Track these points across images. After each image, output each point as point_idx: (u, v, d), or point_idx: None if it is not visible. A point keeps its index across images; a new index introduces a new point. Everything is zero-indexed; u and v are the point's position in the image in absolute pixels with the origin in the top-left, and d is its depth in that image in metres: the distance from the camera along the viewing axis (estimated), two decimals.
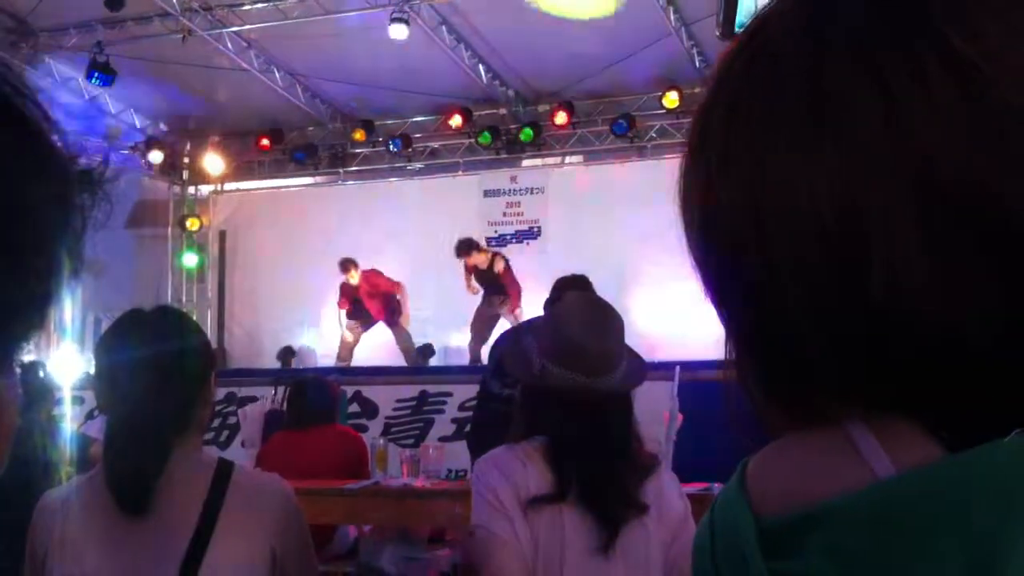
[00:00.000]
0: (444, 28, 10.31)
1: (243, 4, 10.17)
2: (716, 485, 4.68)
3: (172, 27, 10.28)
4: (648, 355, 10.44)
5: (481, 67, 11.13)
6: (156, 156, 12.65)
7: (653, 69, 10.65)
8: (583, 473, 2.25)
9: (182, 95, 11.91)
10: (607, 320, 2.43)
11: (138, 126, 12.70)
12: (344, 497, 5.20)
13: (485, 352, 8.99)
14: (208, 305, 13.53)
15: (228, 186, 13.76)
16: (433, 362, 11.35)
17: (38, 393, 4.96)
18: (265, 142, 12.85)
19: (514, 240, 12.16)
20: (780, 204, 0.58)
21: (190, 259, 13.54)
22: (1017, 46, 0.57)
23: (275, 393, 8.08)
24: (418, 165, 12.88)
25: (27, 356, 0.61)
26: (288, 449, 5.62)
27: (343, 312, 11.56)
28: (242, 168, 13.30)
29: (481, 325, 10.59)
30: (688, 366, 6.60)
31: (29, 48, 10.59)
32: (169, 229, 13.77)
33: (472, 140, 12.18)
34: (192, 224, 13.52)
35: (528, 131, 11.83)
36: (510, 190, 12.25)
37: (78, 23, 10.38)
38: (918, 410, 0.57)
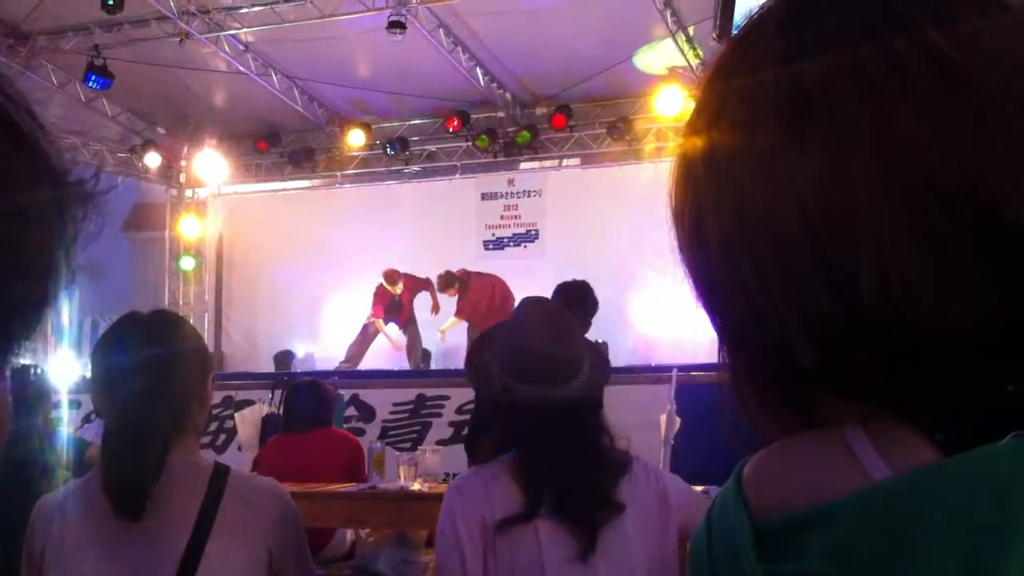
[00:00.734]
0: (441, 31, 10.32)
1: (240, 7, 10.17)
2: (714, 489, 4.68)
3: (169, 30, 10.28)
4: (646, 358, 10.45)
5: (478, 70, 11.14)
6: (153, 159, 12.63)
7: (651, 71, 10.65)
8: (554, 484, 2.21)
9: (179, 99, 11.90)
10: (563, 327, 2.39)
11: (135, 129, 12.69)
12: (341, 500, 5.20)
13: None
14: (205, 308, 13.52)
15: (225, 189, 13.75)
16: (433, 365, 11.36)
17: (36, 397, 4.95)
18: (262, 145, 12.85)
19: (511, 243, 12.16)
20: (767, 206, 0.58)
21: (187, 263, 13.52)
22: (999, 40, 0.57)
23: (272, 397, 8.08)
24: (415, 168, 12.87)
25: (25, 360, 0.61)
26: (285, 452, 5.62)
27: (379, 321, 11.49)
28: (239, 171, 13.29)
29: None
30: (686, 369, 6.60)
31: (26, 51, 10.58)
32: (166, 232, 13.76)
33: (469, 143, 12.18)
34: (189, 227, 13.51)
35: (525, 134, 11.84)
36: (507, 193, 12.25)
37: (75, 26, 10.37)
38: (913, 412, 0.57)
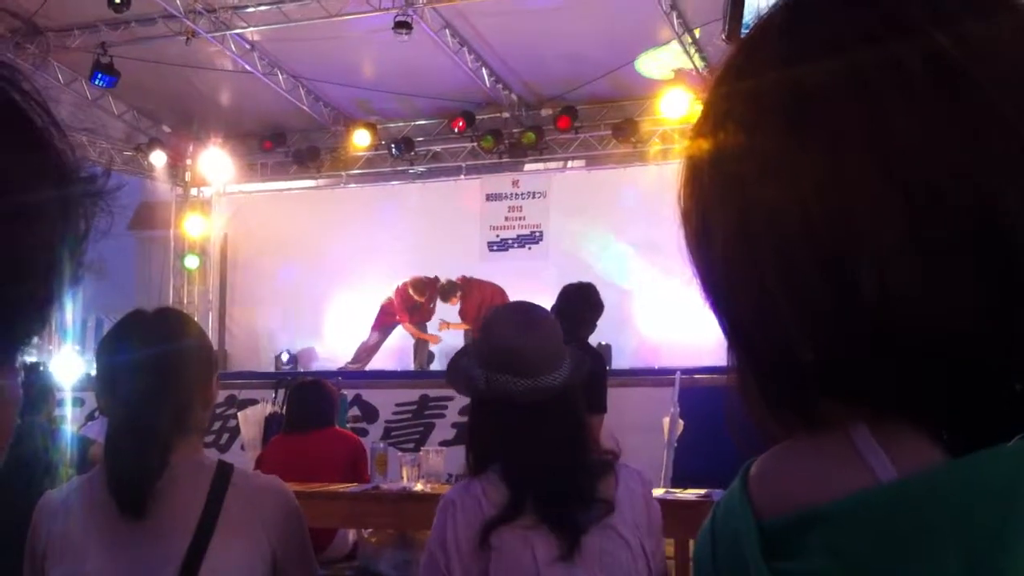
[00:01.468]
0: (447, 32, 10.33)
1: (247, 7, 10.18)
2: (716, 491, 4.68)
3: (176, 29, 10.30)
4: (650, 361, 10.44)
5: (484, 71, 11.14)
6: (159, 158, 12.65)
7: (656, 73, 10.65)
8: (536, 483, 2.20)
9: (185, 97, 11.92)
10: (538, 321, 2.39)
11: (141, 128, 12.71)
12: (344, 500, 5.20)
13: None
14: (209, 307, 13.53)
15: (230, 188, 13.76)
16: (434, 366, 11.36)
17: (39, 394, 4.96)
18: (268, 145, 12.87)
19: (516, 244, 12.16)
20: (769, 207, 0.59)
21: (192, 261, 13.54)
22: (999, 44, 0.57)
23: (275, 396, 8.09)
24: (420, 168, 12.88)
25: (29, 357, 0.61)
26: (288, 452, 5.62)
27: (408, 325, 11.48)
28: (245, 170, 13.31)
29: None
30: (689, 372, 6.61)
31: (34, 49, 10.60)
32: (171, 231, 13.78)
33: (474, 144, 12.19)
34: (194, 226, 13.53)
35: (531, 135, 11.83)
36: (512, 194, 12.25)
37: (82, 24, 10.39)
38: (919, 414, 0.57)
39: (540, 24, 9.91)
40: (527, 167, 12.59)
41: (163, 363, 2.08)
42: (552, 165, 12.64)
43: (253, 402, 8.44)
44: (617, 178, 11.87)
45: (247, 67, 10.96)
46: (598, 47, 10.17)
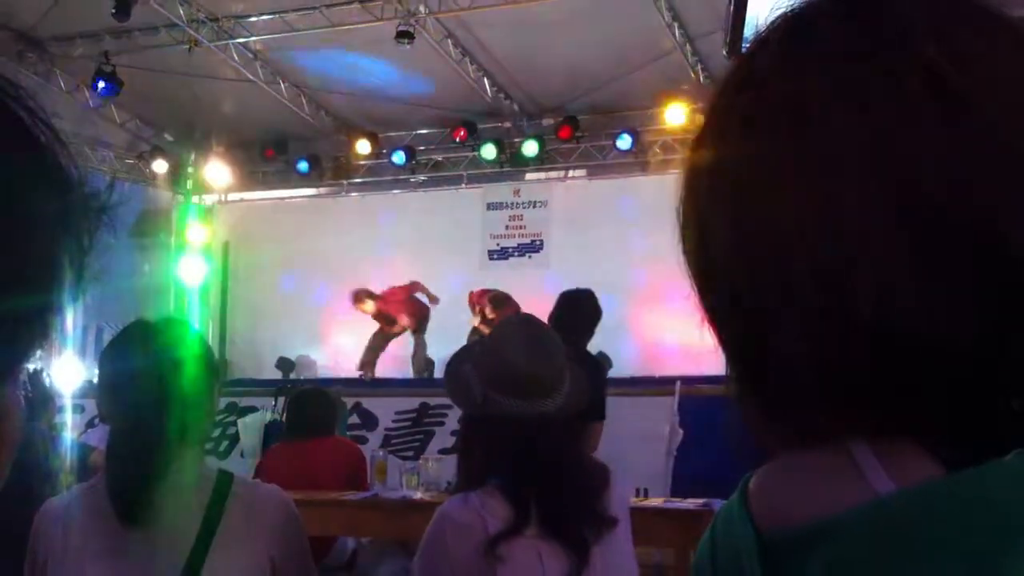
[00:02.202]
0: (449, 42, 10.34)
1: (249, 16, 10.21)
2: (716, 501, 4.67)
3: (178, 38, 10.32)
4: (650, 370, 10.39)
5: (486, 80, 11.16)
6: (160, 166, 12.66)
7: (658, 84, 10.66)
8: (539, 500, 2.18)
9: (187, 106, 11.94)
10: (547, 343, 2.36)
11: (143, 136, 12.72)
12: (343, 508, 5.20)
13: None
14: (210, 315, 13.52)
15: (232, 197, 13.77)
16: (433, 375, 11.34)
17: (40, 401, 4.96)
18: (269, 153, 12.88)
19: (516, 253, 12.16)
20: (766, 221, 0.59)
21: (193, 269, 13.54)
22: (998, 62, 0.58)
23: (275, 404, 8.09)
24: (422, 177, 12.89)
25: (30, 364, 0.61)
26: (287, 460, 5.62)
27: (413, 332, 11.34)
28: (246, 179, 13.31)
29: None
30: (689, 381, 6.60)
31: (36, 58, 10.63)
32: (173, 239, 13.78)
33: (476, 153, 12.20)
34: (195, 234, 13.54)
35: (532, 145, 11.84)
36: (513, 203, 12.25)
37: (85, 33, 10.42)
38: (918, 429, 0.57)
39: (542, 34, 9.93)
40: (528, 176, 12.60)
41: (165, 372, 2.08)
42: (553, 175, 12.65)
43: (253, 410, 8.43)
44: (618, 188, 11.88)
45: (249, 76, 10.98)
46: (600, 58, 10.18)
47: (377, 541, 6.07)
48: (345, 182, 13.26)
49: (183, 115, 12.29)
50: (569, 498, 2.23)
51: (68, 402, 7.31)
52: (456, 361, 2.44)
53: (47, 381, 5.22)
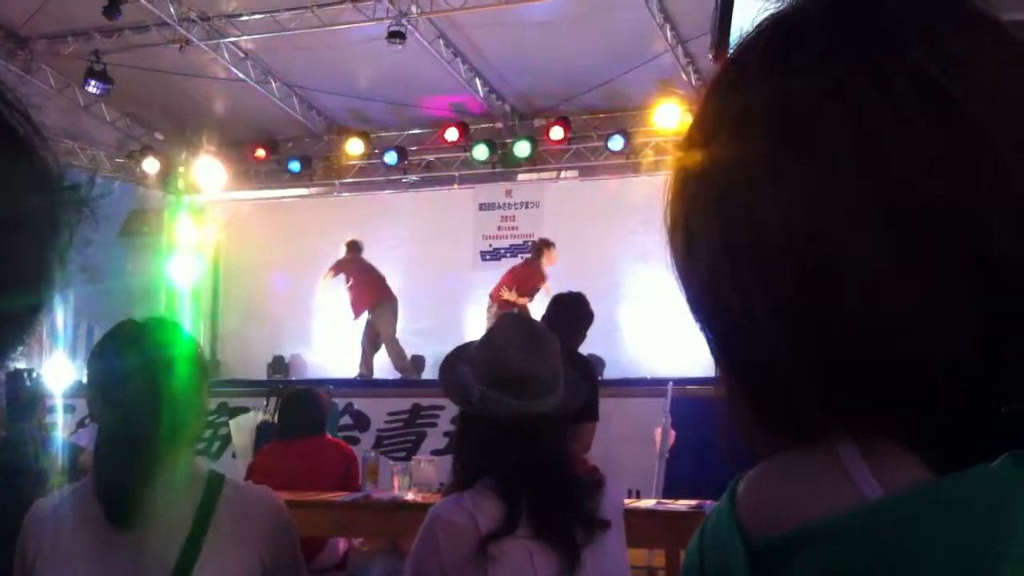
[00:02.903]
0: (441, 42, 10.34)
1: (240, 15, 10.19)
2: (707, 503, 4.67)
3: (169, 37, 10.30)
4: (642, 371, 10.39)
5: (478, 81, 11.16)
6: (151, 165, 12.64)
7: (650, 86, 10.68)
8: (532, 501, 2.19)
9: (178, 105, 11.91)
10: (543, 342, 2.37)
11: (134, 135, 12.69)
12: (335, 509, 5.19)
13: None
14: (201, 315, 13.50)
15: (223, 196, 13.74)
16: (425, 375, 11.32)
17: (30, 401, 4.94)
18: (260, 153, 12.85)
19: (508, 254, 12.16)
20: (754, 224, 0.59)
21: (184, 269, 13.51)
22: (987, 65, 0.58)
23: (267, 404, 8.08)
24: (413, 177, 12.88)
25: (21, 363, 0.61)
26: (279, 460, 5.61)
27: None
28: (237, 178, 13.28)
29: None
30: (681, 383, 6.60)
31: (26, 56, 10.60)
32: (163, 238, 13.75)
33: (468, 153, 12.19)
34: (186, 233, 13.51)
35: (524, 145, 11.85)
36: (505, 204, 12.26)
37: (75, 31, 10.39)
38: (906, 431, 0.57)
39: (534, 35, 9.94)
40: (520, 177, 12.61)
41: (154, 372, 2.08)
42: (545, 175, 12.65)
43: (245, 410, 8.42)
44: (610, 189, 11.89)
45: (240, 75, 10.96)
46: (592, 59, 10.19)
47: (369, 542, 6.07)
48: (336, 182, 13.25)
49: (174, 114, 12.26)
50: (561, 499, 2.23)
51: (59, 402, 7.29)
52: (452, 359, 2.44)
53: (38, 381, 5.20)
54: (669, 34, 9.71)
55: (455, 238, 12.03)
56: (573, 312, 5.59)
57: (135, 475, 2.03)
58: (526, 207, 12.23)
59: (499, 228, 12.28)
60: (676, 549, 4.78)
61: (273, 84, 11.40)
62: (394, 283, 11.40)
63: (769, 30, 0.63)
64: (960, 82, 0.56)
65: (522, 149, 11.86)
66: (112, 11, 9.27)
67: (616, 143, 11.45)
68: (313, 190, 13.55)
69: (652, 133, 11.42)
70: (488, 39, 10.32)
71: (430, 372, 11.33)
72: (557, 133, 11.59)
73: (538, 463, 2.23)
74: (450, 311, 11.46)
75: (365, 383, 10.16)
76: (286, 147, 12.97)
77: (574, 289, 5.91)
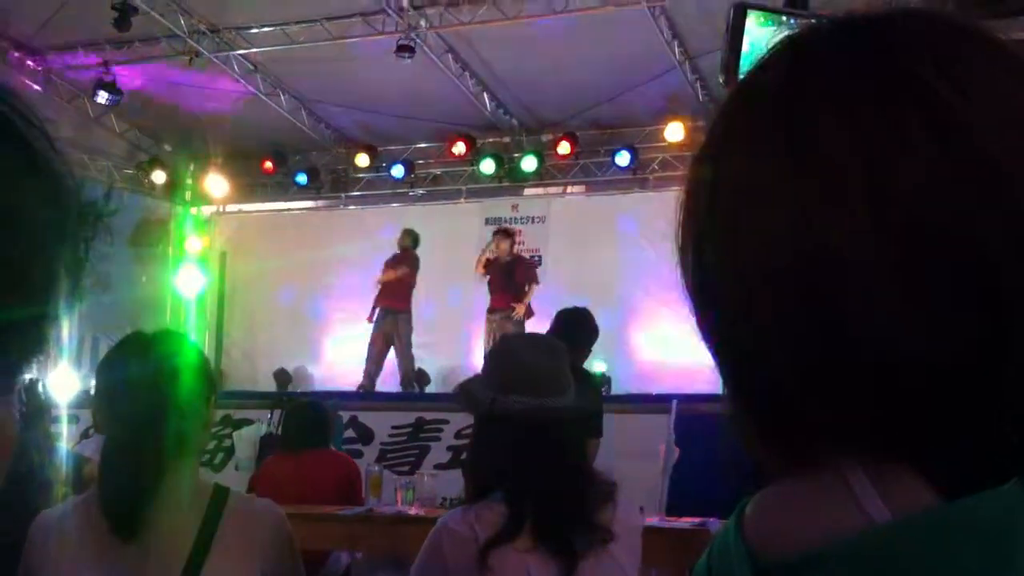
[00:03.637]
0: (450, 56, 10.37)
1: (250, 27, 10.23)
2: (712, 520, 4.66)
3: (179, 49, 10.34)
4: (646, 388, 10.35)
5: (485, 95, 11.19)
6: (159, 176, 12.68)
7: (657, 102, 10.70)
8: (536, 505, 2.20)
9: (187, 116, 11.96)
10: (552, 345, 2.43)
11: (142, 146, 12.74)
12: (337, 522, 5.18)
13: None
14: (207, 326, 13.51)
15: (230, 207, 13.78)
16: (429, 389, 11.31)
17: (35, 411, 4.94)
18: (268, 164, 12.89)
19: None
20: (762, 245, 0.59)
21: (190, 280, 13.53)
22: (996, 91, 0.58)
23: (271, 416, 8.07)
24: (420, 191, 12.90)
25: (26, 374, 0.61)
26: (282, 473, 5.60)
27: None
28: (245, 190, 13.33)
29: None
30: (686, 399, 6.59)
31: (36, 66, 10.65)
32: (170, 249, 13.78)
33: (475, 168, 12.21)
34: (193, 244, 13.54)
35: (531, 160, 11.87)
36: (512, 219, 12.25)
37: (86, 42, 10.44)
38: (914, 453, 0.57)
39: (542, 50, 9.97)
40: (527, 192, 12.62)
41: (161, 384, 2.08)
42: (552, 190, 12.67)
43: (249, 422, 8.41)
44: (616, 204, 11.90)
45: (249, 87, 11.00)
46: (599, 74, 10.21)
47: (371, 556, 6.05)
48: (343, 195, 13.28)
49: (183, 126, 12.30)
50: (564, 506, 2.23)
51: (64, 412, 7.29)
52: (464, 382, 2.49)
53: (43, 391, 5.20)
54: (677, 50, 9.73)
55: (461, 252, 12.03)
56: (578, 327, 5.59)
57: (140, 487, 2.03)
58: (532, 222, 12.23)
59: None
60: (680, 567, 4.76)
61: (282, 96, 11.44)
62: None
63: (782, 54, 0.64)
64: (969, 105, 0.56)
65: (529, 164, 11.88)
66: (123, 23, 9.31)
67: (623, 159, 11.46)
68: (320, 202, 13.58)
69: (659, 149, 11.44)
70: (496, 54, 10.35)
71: (434, 386, 11.32)
72: (564, 148, 11.61)
73: (547, 464, 2.24)
74: (455, 325, 11.46)
75: (368, 396, 10.15)
76: (293, 159, 13.00)
77: (579, 304, 5.91)
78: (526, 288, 10.50)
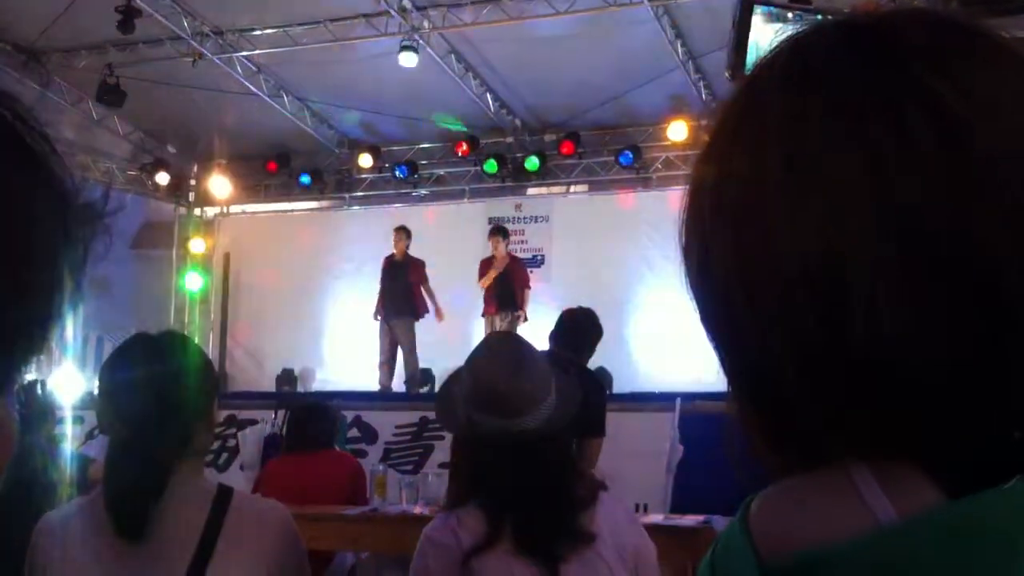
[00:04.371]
0: (453, 57, 10.38)
1: (254, 29, 10.24)
2: (716, 518, 4.65)
3: (183, 51, 10.35)
4: (650, 386, 10.35)
5: (489, 96, 11.19)
6: (163, 178, 12.70)
7: (660, 101, 10.70)
8: (514, 516, 2.21)
9: (190, 118, 11.97)
10: (523, 360, 2.36)
11: (146, 148, 12.76)
12: (342, 522, 5.18)
13: None
14: (210, 327, 13.53)
15: (234, 209, 13.80)
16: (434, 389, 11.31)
17: (39, 413, 4.94)
18: (272, 166, 12.90)
19: None
20: (767, 248, 0.59)
21: (194, 281, 13.55)
22: (999, 93, 0.58)
23: (275, 417, 8.07)
24: (424, 192, 12.91)
25: (29, 375, 0.61)
26: (286, 473, 5.60)
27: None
28: (248, 191, 13.35)
29: None
30: (689, 397, 6.59)
31: (40, 68, 10.66)
32: (174, 250, 13.80)
33: (478, 168, 12.22)
34: (196, 246, 13.56)
35: (534, 160, 11.88)
36: (515, 218, 12.26)
37: (89, 45, 10.45)
38: (919, 452, 0.57)
39: (545, 51, 9.97)
40: (530, 191, 12.63)
41: (165, 385, 2.08)
42: (555, 190, 12.67)
43: (253, 422, 8.41)
44: (619, 203, 11.90)
45: (253, 89, 11.01)
46: (602, 74, 10.21)
47: (376, 556, 6.05)
48: (347, 195, 13.29)
49: (186, 127, 12.32)
50: (543, 514, 2.24)
51: (68, 413, 7.30)
52: (448, 384, 2.49)
53: (47, 392, 5.21)
54: (680, 50, 9.73)
55: (465, 252, 12.02)
56: (582, 327, 5.59)
57: (145, 487, 2.03)
58: (536, 221, 12.23)
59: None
60: (684, 565, 4.75)
61: (285, 98, 11.45)
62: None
63: (786, 52, 0.64)
64: (973, 108, 0.56)
65: (532, 163, 11.89)
66: (127, 25, 9.33)
67: (626, 158, 11.47)
68: (324, 203, 13.59)
69: (662, 148, 11.44)
70: (499, 54, 10.35)
71: (438, 386, 11.32)
72: (567, 148, 11.61)
73: (527, 484, 2.24)
74: (459, 325, 11.45)
75: (372, 395, 10.15)
76: (297, 160, 13.01)
77: (583, 303, 5.90)
78: (521, 296, 10.52)
